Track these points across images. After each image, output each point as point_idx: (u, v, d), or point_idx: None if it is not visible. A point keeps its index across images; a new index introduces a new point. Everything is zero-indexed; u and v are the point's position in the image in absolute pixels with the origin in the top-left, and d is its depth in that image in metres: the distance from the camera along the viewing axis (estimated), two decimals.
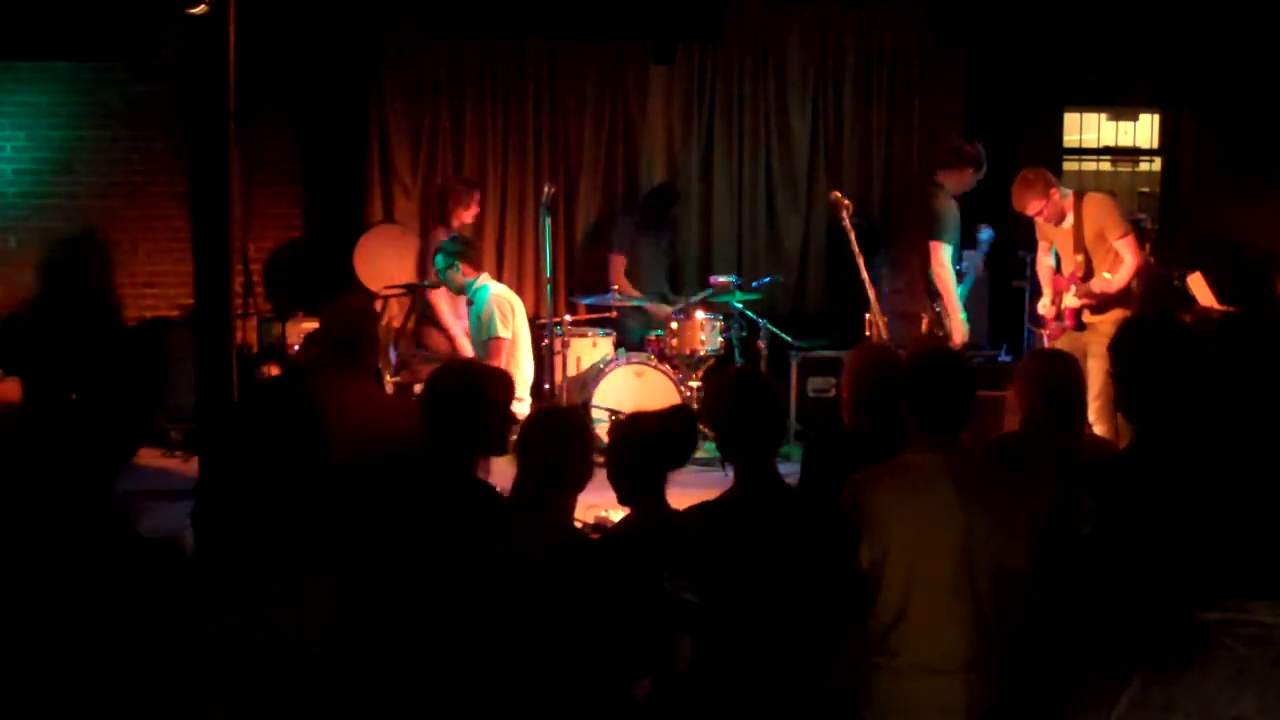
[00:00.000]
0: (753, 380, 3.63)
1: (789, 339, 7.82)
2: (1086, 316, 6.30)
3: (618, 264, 7.98)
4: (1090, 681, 1.66)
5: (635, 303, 7.75)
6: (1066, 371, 4.05)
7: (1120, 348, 3.22)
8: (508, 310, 6.57)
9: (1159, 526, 2.63)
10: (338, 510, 2.93)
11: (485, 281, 6.72)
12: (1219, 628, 1.62)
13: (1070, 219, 6.34)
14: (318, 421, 2.97)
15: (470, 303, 6.69)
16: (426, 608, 3.16)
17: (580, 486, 3.44)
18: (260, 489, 2.70)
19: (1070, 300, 6.33)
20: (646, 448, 3.45)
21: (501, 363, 6.39)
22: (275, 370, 7.19)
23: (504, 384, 3.70)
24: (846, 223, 6.37)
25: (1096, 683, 1.65)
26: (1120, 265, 6.21)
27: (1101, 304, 6.25)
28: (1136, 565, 2.60)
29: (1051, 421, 3.93)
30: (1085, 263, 6.28)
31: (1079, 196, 6.39)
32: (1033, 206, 6.38)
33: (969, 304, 8.07)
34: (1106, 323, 6.23)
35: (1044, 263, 6.53)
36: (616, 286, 7.78)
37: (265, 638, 2.53)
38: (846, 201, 6.37)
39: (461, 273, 6.65)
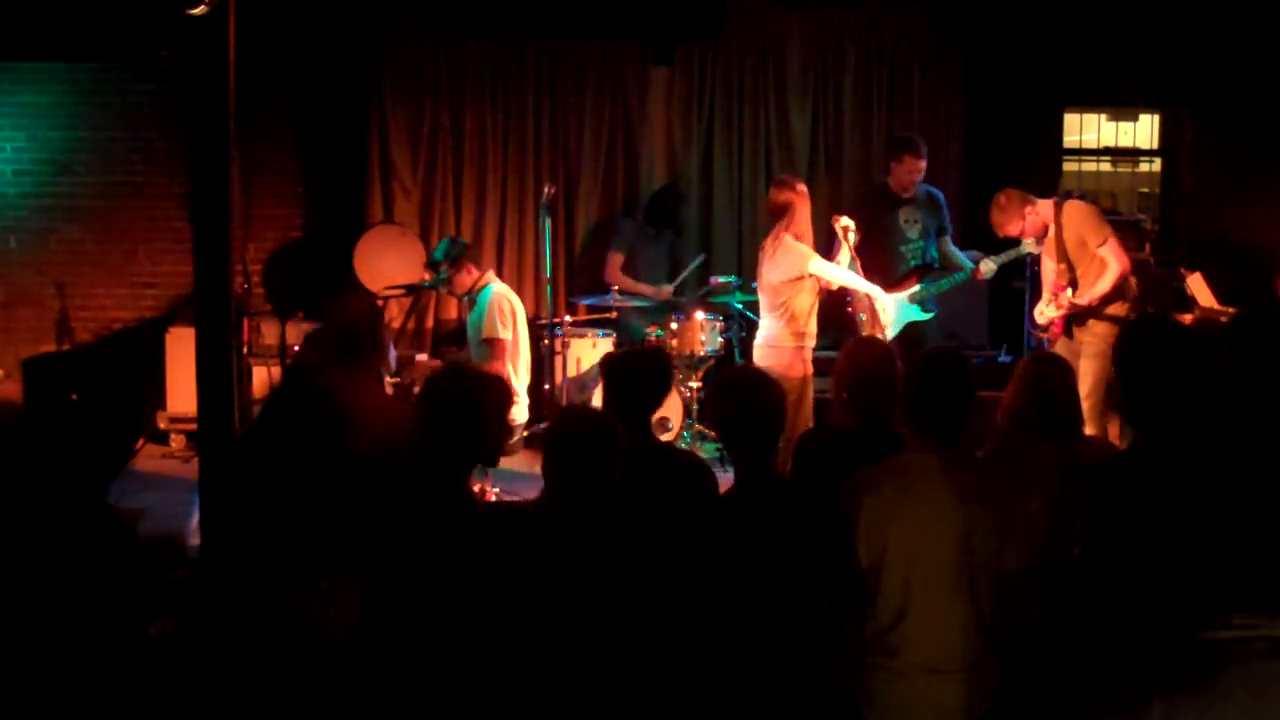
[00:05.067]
0: (752, 379, 3.64)
1: None
2: (1076, 322, 6.27)
3: (615, 261, 7.98)
4: (1106, 709, 1.64)
5: (637, 303, 7.75)
6: (1053, 374, 4.06)
7: (1121, 350, 3.21)
8: (508, 310, 6.55)
9: (1164, 537, 2.61)
10: (355, 509, 2.93)
11: (490, 281, 6.71)
12: (1232, 646, 1.61)
13: (1052, 229, 6.30)
14: (342, 420, 2.97)
15: (472, 305, 6.68)
16: (434, 612, 3.14)
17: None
18: (279, 488, 2.71)
19: (1051, 311, 6.31)
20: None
21: (504, 364, 6.38)
22: (276, 370, 7.18)
23: (502, 391, 3.63)
24: (846, 246, 6.37)
25: (1113, 710, 1.63)
26: (1105, 271, 6.17)
27: (1089, 309, 6.22)
28: (1142, 580, 2.57)
29: (1036, 424, 3.94)
30: (1068, 270, 6.24)
31: (1059, 205, 6.32)
32: (1012, 228, 6.35)
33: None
34: (1101, 323, 6.20)
35: (1046, 265, 6.48)
36: (613, 283, 7.78)
37: (286, 635, 2.53)
38: (851, 228, 6.38)
39: (467, 273, 6.64)
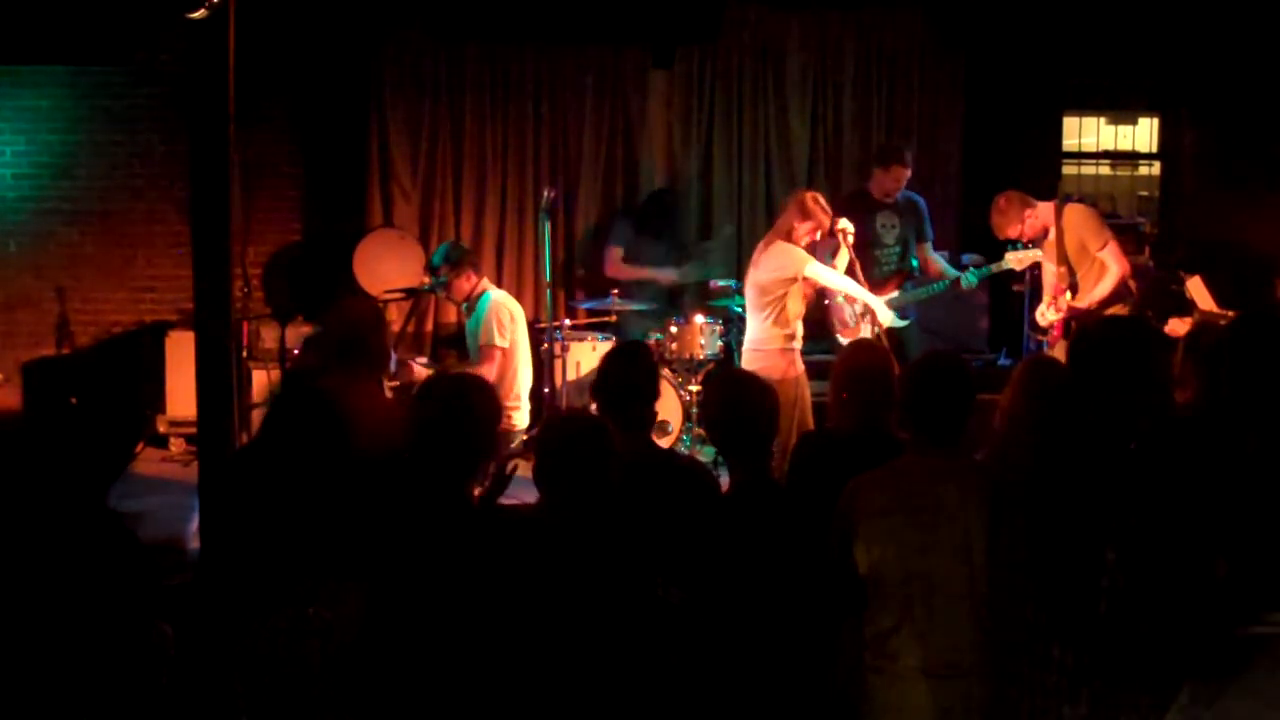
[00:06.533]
0: (745, 382, 3.64)
1: None
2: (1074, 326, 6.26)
3: (613, 255, 7.96)
4: (1134, 691, 1.64)
5: (636, 306, 7.74)
6: (1054, 376, 4.06)
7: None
8: (506, 318, 6.56)
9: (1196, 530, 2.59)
10: (357, 513, 2.93)
11: (487, 288, 6.72)
12: (1268, 642, 1.60)
13: (1053, 232, 6.29)
14: (344, 424, 2.97)
15: (471, 311, 6.68)
16: (436, 617, 3.14)
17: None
18: (282, 494, 2.70)
19: (1051, 315, 6.30)
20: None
21: (493, 371, 6.38)
22: (275, 374, 7.18)
23: (486, 392, 3.50)
24: (846, 249, 6.38)
25: (1141, 692, 1.63)
26: (1105, 275, 6.17)
27: (1089, 313, 6.21)
28: (1178, 574, 2.54)
29: (1031, 425, 3.94)
30: (1068, 274, 6.23)
31: (1059, 208, 6.30)
32: (1012, 230, 6.35)
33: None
34: None
35: (1047, 268, 6.48)
36: (614, 276, 7.77)
37: (288, 646, 2.53)
38: (850, 231, 6.38)
39: (466, 279, 6.64)
